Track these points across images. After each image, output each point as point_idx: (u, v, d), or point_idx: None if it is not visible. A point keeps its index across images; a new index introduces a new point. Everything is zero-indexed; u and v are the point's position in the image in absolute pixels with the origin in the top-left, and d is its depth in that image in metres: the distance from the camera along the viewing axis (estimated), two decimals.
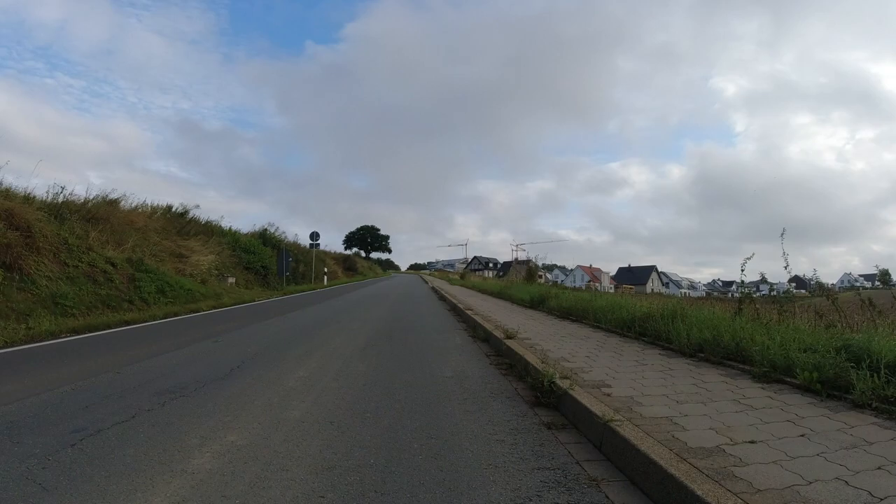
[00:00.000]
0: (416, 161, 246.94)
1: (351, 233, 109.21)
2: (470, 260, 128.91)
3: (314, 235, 28.39)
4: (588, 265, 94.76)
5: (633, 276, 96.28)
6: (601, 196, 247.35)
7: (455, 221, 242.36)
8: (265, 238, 26.57)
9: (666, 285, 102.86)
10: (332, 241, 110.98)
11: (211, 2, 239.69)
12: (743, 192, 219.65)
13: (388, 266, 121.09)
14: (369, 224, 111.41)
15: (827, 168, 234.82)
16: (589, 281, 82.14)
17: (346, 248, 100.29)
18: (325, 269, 29.97)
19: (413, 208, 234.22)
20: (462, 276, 39.81)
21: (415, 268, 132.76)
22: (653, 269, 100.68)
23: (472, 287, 27.57)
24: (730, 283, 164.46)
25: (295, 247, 29.91)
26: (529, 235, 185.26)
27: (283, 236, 29.50)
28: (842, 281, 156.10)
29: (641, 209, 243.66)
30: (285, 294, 19.51)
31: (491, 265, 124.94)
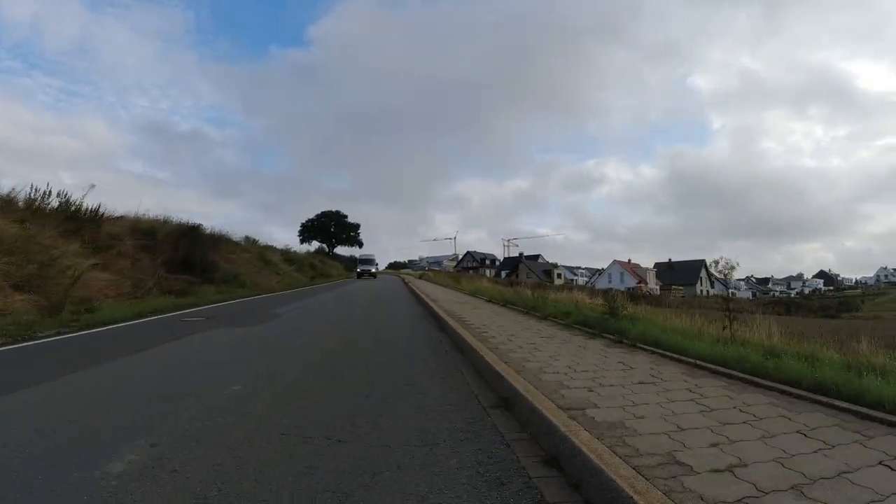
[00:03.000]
0: (394, 160, 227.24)
1: (309, 221, 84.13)
2: (461, 257, 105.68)
3: None
4: (626, 260, 71.52)
5: (675, 275, 73.76)
6: (579, 194, 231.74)
7: (435, 221, 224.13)
8: None
9: (711, 284, 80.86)
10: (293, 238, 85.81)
11: (191, 1, 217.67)
12: (720, 190, 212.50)
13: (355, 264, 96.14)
14: (333, 210, 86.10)
15: (803, 165, 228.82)
16: (639, 283, 58.87)
17: (302, 242, 75.01)
18: None
19: (392, 208, 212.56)
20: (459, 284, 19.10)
21: (395, 267, 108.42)
22: (702, 264, 77.91)
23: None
24: (765, 280, 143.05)
25: None
26: (508, 234, 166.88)
27: None
28: (877, 277, 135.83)
29: (619, 207, 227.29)
30: None
31: (488, 262, 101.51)
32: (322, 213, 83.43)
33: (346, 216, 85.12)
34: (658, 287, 66.23)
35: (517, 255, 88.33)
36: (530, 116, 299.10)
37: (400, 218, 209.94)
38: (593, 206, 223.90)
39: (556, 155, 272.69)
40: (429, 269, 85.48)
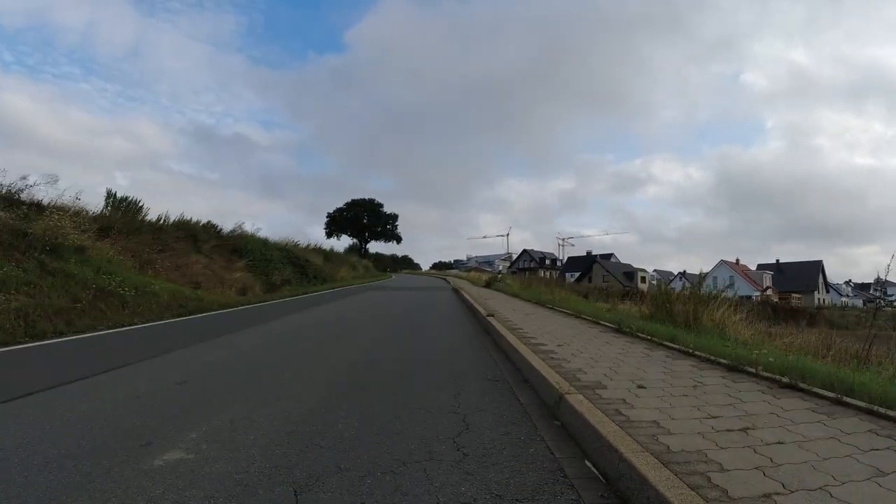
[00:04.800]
0: (436, 160, 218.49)
1: (336, 210, 72.58)
2: (517, 256, 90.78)
3: None
4: (734, 260, 54.16)
5: (785, 279, 56.60)
6: (624, 195, 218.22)
7: (479, 221, 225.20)
8: None
9: (826, 290, 61.94)
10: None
11: (245, 7, 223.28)
12: (772, 191, 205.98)
13: (401, 265, 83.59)
14: (366, 198, 73.82)
15: (858, 165, 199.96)
16: (763, 290, 42.25)
17: (329, 236, 63.58)
18: None
19: (434, 208, 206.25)
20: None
21: (439, 267, 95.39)
22: (819, 267, 59.06)
23: None
24: (865, 286, 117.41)
25: None
26: (553, 235, 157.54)
27: None
28: None
29: (667, 208, 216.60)
30: None
31: (548, 262, 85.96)
32: (352, 201, 71.19)
33: (381, 205, 72.74)
34: (774, 295, 48.97)
35: (585, 253, 72.32)
36: (573, 115, 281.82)
37: (442, 218, 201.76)
38: (640, 208, 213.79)
39: (600, 154, 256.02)
40: (504, 272, 57.87)
